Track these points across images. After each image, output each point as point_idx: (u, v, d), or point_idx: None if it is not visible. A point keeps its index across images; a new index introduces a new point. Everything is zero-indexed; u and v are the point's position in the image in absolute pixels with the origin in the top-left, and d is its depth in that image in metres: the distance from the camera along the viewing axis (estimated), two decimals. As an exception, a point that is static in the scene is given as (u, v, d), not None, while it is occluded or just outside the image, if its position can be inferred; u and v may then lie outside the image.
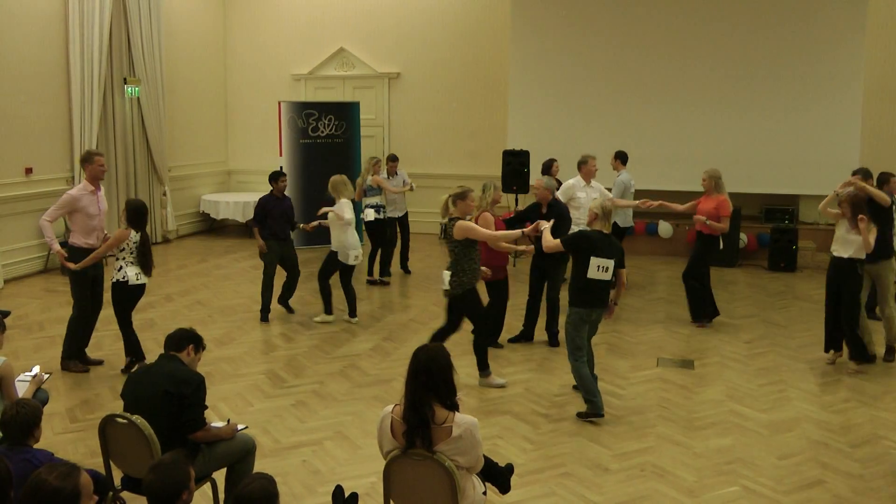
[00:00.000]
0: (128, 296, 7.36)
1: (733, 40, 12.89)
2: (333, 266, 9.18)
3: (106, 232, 7.69)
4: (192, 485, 3.39)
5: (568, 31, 13.62)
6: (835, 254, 7.61)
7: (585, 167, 9.63)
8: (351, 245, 8.99)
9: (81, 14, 12.01)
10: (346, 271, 9.18)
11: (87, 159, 7.60)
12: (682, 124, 13.21)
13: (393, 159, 11.71)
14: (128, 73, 13.09)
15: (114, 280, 7.30)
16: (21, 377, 5.37)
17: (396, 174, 11.50)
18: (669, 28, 13.16)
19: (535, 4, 13.71)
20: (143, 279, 7.35)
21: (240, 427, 4.87)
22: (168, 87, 14.18)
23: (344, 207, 8.93)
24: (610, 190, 10.06)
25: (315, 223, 9.43)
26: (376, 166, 11.20)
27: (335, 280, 9.23)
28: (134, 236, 7.18)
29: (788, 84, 12.73)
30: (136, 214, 7.24)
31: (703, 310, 9.19)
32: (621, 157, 10.75)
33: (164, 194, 14.11)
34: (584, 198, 9.55)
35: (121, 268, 7.24)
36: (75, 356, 7.66)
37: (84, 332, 7.73)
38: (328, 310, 9.32)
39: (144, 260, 7.28)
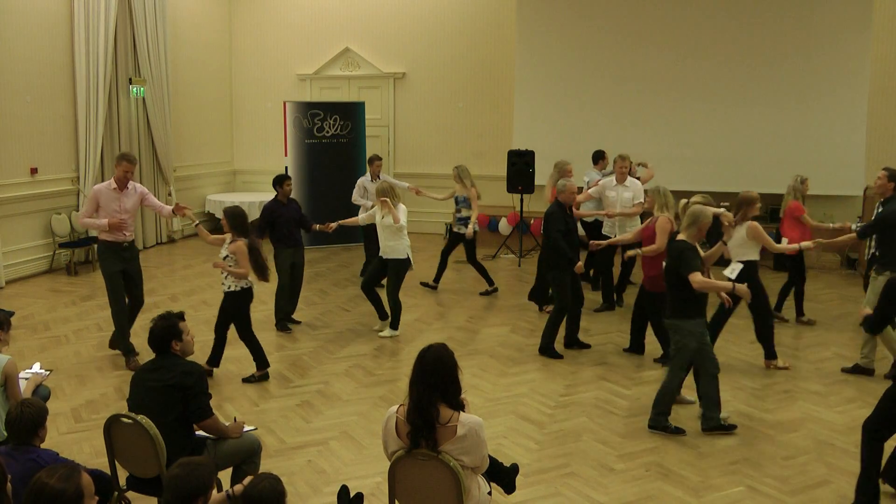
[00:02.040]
0: (246, 302, 7.34)
1: (738, 39, 12.86)
2: (402, 274, 8.70)
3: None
4: (211, 494, 3.37)
5: (573, 31, 13.61)
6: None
7: (616, 166, 9.76)
8: (409, 249, 8.68)
9: (87, 14, 12.04)
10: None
11: (116, 161, 7.76)
12: (686, 124, 13.19)
13: (377, 159, 11.18)
14: (133, 74, 13.11)
15: (232, 289, 7.22)
16: (21, 374, 5.40)
17: (379, 177, 10.94)
18: (674, 28, 13.13)
19: (540, 4, 13.70)
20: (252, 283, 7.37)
21: (247, 428, 4.88)
22: (173, 87, 14.21)
23: (402, 212, 8.48)
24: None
25: (335, 224, 9.09)
26: (459, 177, 10.68)
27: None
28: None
29: (793, 83, 12.70)
30: (238, 221, 7.17)
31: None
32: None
33: (170, 194, 14.13)
34: (614, 197, 9.61)
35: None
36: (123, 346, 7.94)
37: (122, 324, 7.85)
38: (396, 325, 8.80)
39: (258, 264, 7.16)
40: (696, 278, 5.92)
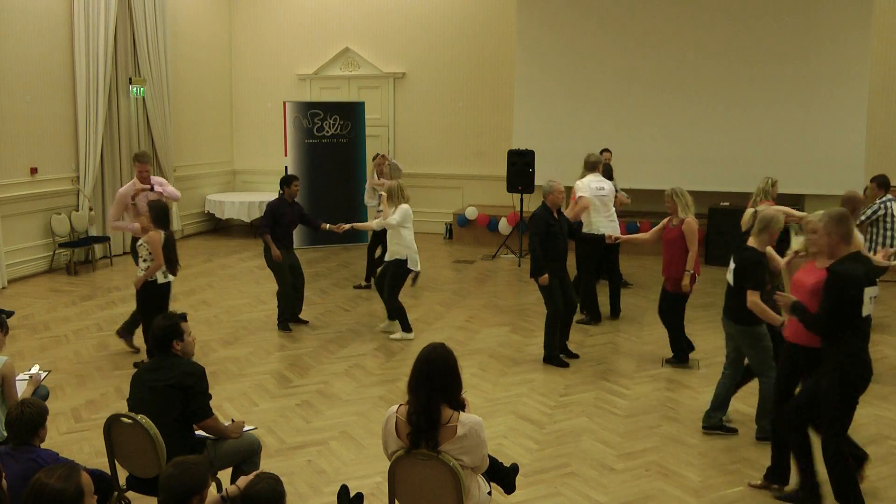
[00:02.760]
0: (157, 294, 7.41)
1: (738, 38, 12.86)
2: (403, 277, 8.67)
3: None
4: (206, 493, 3.37)
5: (573, 31, 13.60)
6: None
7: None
8: (415, 249, 8.61)
9: (87, 14, 12.04)
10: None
11: (133, 161, 8.33)
12: (686, 124, 13.18)
13: (376, 156, 11.47)
14: (133, 74, 13.11)
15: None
16: (20, 376, 5.39)
17: (383, 174, 11.14)
18: (674, 28, 13.13)
19: (540, 4, 13.69)
20: (169, 277, 7.44)
21: (247, 427, 4.88)
22: (173, 87, 14.20)
23: (400, 213, 8.43)
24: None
25: (347, 226, 9.07)
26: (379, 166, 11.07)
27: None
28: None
29: (794, 82, 12.69)
30: (160, 214, 7.36)
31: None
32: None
33: (170, 194, 14.12)
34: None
35: (148, 268, 7.32)
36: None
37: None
38: (407, 327, 8.68)
39: (170, 258, 7.35)
40: (753, 298, 5.68)
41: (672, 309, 7.79)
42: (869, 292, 4.66)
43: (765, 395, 6.00)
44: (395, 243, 8.57)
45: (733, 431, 6.21)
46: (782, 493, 5.21)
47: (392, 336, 8.71)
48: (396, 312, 8.69)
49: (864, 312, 4.68)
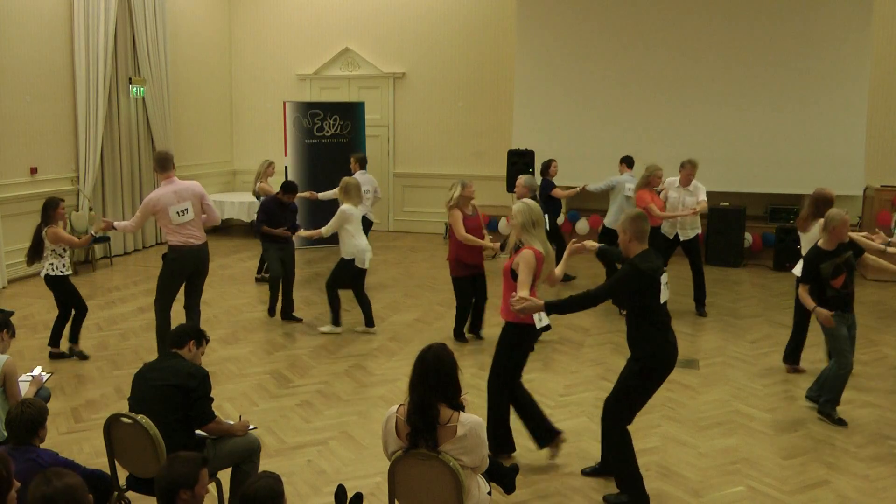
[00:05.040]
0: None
1: (737, 38, 12.85)
2: (348, 274, 8.72)
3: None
4: (200, 489, 3.36)
5: (573, 31, 13.60)
6: None
7: (683, 171, 9.77)
8: (365, 247, 8.66)
9: (87, 14, 12.05)
10: (360, 277, 8.78)
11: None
12: (686, 124, 13.17)
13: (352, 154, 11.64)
14: (133, 74, 13.12)
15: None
16: (23, 378, 5.40)
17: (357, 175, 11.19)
18: (674, 28, 13.13)
19: (540, 4, 13.69)
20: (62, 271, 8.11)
21: (251, 427, 4.89)
22: (173, 87, 14.20)
23: (337, 217, 8.60)
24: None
25: (315, 233, 8.99)
26: (269, 169, 11.38)
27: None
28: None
29: (793, 82, 12.69)
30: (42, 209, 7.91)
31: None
32: (627, 161, 10.82)
33: (170, 194, 14.10)
34: (676, 198, 9.69)
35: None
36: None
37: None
38: (337, 321, 8.86)
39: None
40: (800, 289, 6.55)
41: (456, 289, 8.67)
42: (664, 279, 4.93)
43: (825, 374, 6.57)
44: (343, 242, 8.71)
45: (843, 424, 6.36)
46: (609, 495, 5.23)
47: (321, 329, 8.91)
48: (330, 302, 8.87)
49: (663, 299, 4.92)
